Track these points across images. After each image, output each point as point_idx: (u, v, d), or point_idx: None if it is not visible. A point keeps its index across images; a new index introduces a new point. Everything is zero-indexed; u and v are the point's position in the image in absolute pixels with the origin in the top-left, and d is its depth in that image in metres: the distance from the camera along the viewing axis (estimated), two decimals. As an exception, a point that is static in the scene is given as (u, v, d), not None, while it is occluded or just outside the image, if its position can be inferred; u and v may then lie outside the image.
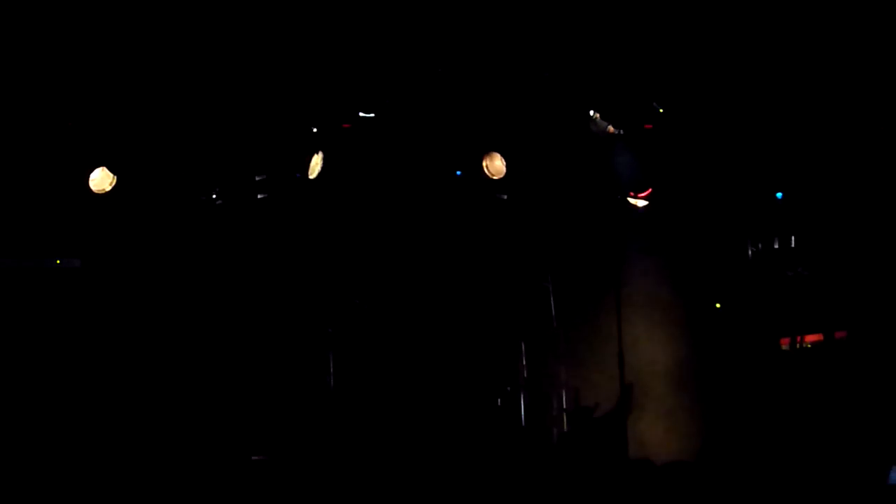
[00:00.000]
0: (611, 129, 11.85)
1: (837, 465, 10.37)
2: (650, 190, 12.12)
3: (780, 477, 10.45)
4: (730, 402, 11.64)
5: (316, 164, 11.52)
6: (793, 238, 11.99)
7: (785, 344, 11.82)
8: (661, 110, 11.70)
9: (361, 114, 11.53)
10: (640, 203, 12.14)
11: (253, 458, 11.09)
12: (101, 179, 11.42)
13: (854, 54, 10.76)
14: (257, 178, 11.80)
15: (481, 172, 11.94)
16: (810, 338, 11.70)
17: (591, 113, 11.84)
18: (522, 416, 12.07)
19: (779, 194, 12.06)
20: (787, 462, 10.72)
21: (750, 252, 12.14)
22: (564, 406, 12.11)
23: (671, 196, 12.19)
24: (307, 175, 11.44)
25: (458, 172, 12.24)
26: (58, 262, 11.71)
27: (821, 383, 11.40)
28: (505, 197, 12.43)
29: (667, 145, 11.90)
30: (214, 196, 11.82)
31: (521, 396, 12.15)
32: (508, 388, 12.18)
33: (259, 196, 11.86)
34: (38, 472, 10.84)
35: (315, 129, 11.57)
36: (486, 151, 11.95)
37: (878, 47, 10.67)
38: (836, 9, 10.57)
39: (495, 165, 11.96)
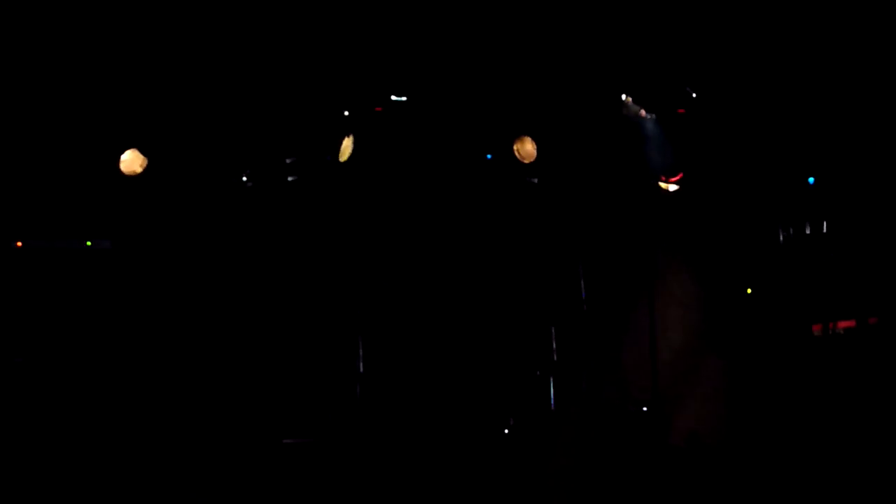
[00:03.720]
0: (643, 112, 11.81)
1: (870, 453, 10.34)
2: (681, 174, 12.09)
3: (811, 464, 10.43)
4: (762, 389, 11.62)
5: (347, 147, 11.50)
6: (825, 223, 11.95)
7: (817, 330, 11.78)
8: (694, 94, 11.65)
9: (393, 97, 11.51)
10: (672, 187, 12.12)
11: (285, 441, 11.11)
12: (131, 161, 11.42)
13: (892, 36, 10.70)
14: (288, 161, 11.79)
15: (512, 156, 11.92)
16: (843, 324, 11.66)
17: (623, 97, 11.80)
18: (552, 400, 12.06)
19: (811, 179, 12.01)
20: (818, 450, 10.69)
21: (781, 237, 12.09)
22: (595, 390, 12.10)
23: (703, 180, 12.16)
24: (338, 158, 11.42)
25: (489, 156, 12.22)
26: (88, 243, 11.72)
27: (854, 370, 11.37)
28: (536, 181, 12.40)
29: (699, 129, 11.86)
30: (245, 178, 11.82)
31: (551, 380, 12.14)
32: (538, 372, 12.18)
33: (289, 179, 11.85)
34: (79, 443, 10.89)
35: (346, 113, 11.55)
36: (518, 135, 11.93)
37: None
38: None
39: (526, 149, 11.94)
